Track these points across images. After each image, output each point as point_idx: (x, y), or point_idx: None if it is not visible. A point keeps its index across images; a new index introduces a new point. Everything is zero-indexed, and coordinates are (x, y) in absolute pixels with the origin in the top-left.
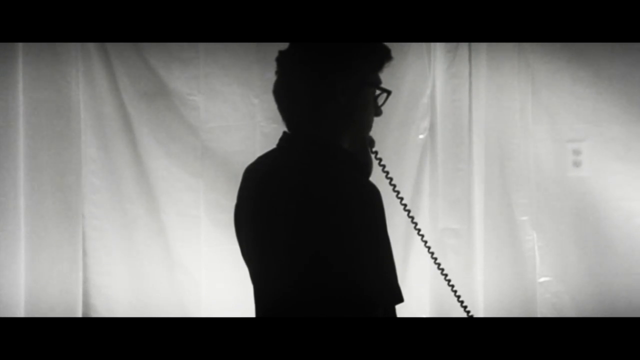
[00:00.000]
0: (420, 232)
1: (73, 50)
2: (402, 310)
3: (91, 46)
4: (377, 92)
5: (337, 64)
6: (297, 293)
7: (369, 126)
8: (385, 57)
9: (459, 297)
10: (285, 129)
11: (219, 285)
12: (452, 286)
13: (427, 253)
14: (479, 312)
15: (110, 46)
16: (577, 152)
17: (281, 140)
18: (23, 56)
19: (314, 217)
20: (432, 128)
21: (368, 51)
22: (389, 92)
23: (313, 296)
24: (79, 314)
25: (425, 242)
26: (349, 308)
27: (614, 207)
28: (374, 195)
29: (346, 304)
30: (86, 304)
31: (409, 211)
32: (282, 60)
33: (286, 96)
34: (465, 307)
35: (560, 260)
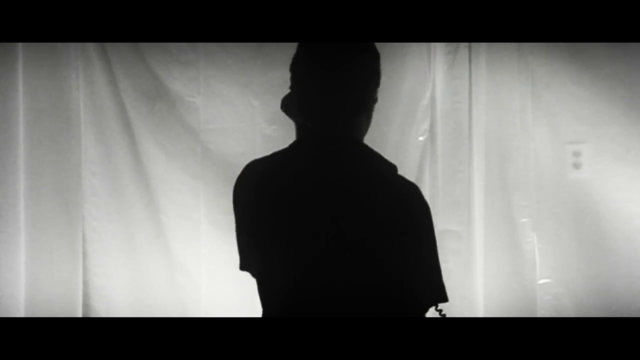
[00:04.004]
0: None
1: (73, 51)
2: None
3: (91, 48)
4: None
5: (376, 72)
6: (344, 290)
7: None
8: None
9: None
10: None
11: (219, 287)
12: None
13: None
14: (479, 313)
15: (110, 48)
16: (577, 154)
17: (322, 140)
18: (23, 56)
19: (371, 219)
20: (432, 130)
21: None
22: (376, 100)
23: (361, 295)
24: (79, 316)
25: None
26: (397, 309)
27: (614, 208)
28: (421, 194)
29: (396, 305)
30: (86, 305)
31: None
32: (331, 63)
33: (332, 99)
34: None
35: (560, 262)
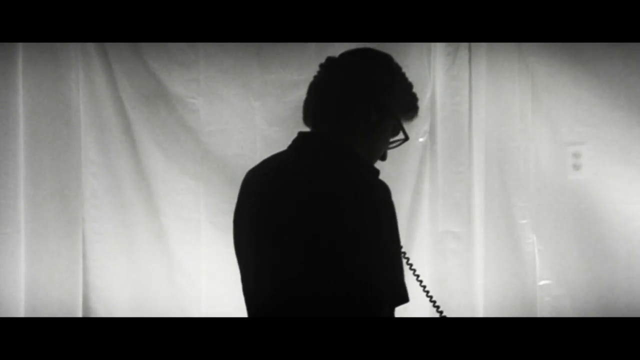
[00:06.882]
0: None
1: (73, 52)
2: (402, 310)
3: (91, 49)
4: (393, 135)
5: (386, 82)
6: (302, 291)
7: (377, 155)
8: (416, 114)
9: (431, 297)
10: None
11: (218, 288)
12: (424, 287)
13: (426, 254)
14: (479, 314)
15: (110, 49)
16: (577, 155)
17: (298, 140)
18: (23, 56)
19: (327, 216)
20: (432, 131)
21: (412, 99)
22: (407, 139)
23: (318, 294)
24: (79, 316)
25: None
26: (355, 307)
27: (614, 210)
28: (386, 194)
29: (352, 303)
30: (86, 306)
31: None
32: (339, 63)
33: (330, 96)
34: (437, 307)
35: (560, 263)
